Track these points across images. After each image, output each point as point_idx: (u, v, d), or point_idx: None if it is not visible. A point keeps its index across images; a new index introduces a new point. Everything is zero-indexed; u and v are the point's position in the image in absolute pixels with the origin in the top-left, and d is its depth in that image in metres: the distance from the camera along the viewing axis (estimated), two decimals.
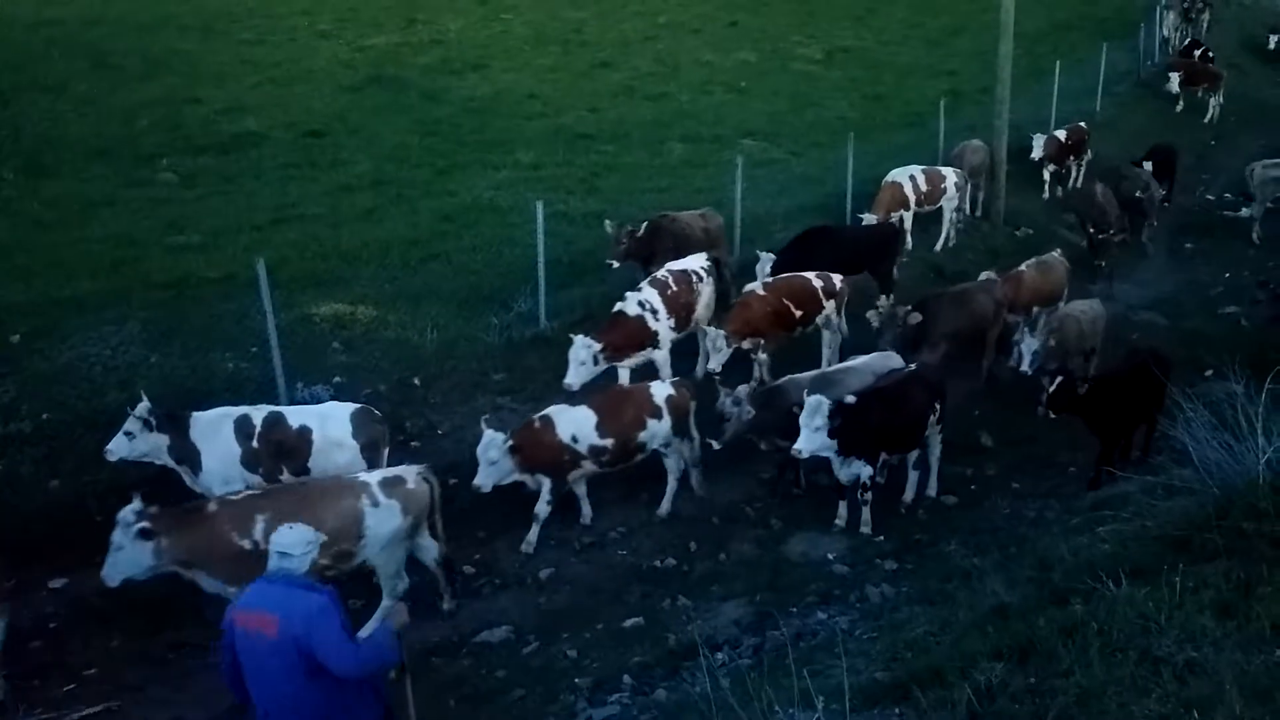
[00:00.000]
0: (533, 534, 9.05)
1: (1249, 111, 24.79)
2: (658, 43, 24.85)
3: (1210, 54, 25.51)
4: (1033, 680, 4.67)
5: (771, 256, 12.46)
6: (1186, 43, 27.16)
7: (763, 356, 11.44)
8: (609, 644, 7.74)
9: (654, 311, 10.89)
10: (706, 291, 11.52)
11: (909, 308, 11.14)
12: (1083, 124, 19.28)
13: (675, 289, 11.16)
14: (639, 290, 11.06)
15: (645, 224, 12.29)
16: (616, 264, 12.09)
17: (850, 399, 9.00)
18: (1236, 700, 4.24)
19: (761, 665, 6.48)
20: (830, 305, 11.86)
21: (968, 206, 16.83)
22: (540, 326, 11.68)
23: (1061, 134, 18.70)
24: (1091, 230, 15.68)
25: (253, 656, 4.88)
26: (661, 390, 9.55)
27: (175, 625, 7.73)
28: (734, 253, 13.53)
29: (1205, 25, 29.90)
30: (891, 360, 10.26)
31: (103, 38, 22.48)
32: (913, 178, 15.00)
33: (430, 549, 8.02)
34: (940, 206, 15.51)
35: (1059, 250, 13.92)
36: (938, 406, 9.77)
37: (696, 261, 11.66)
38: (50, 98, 18.76)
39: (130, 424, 8.02)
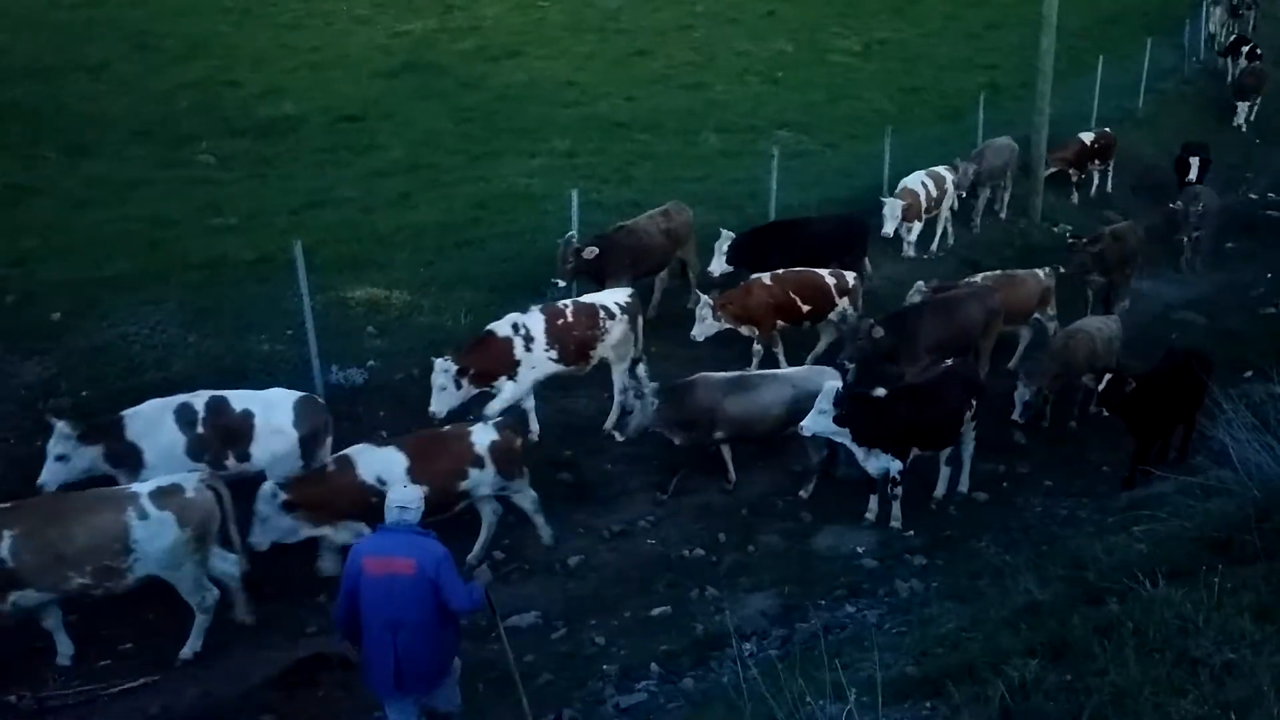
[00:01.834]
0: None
1: None
2: (694, 31, 24.68)
3: (1259, 51, 24.94)
4: (1068, 678, 4.62)
5: (731, 235, 12.29)
6: (1233, 38, 26.57)
7: (756, 348, 11.32)
8: (636, 632, 7.78)
9: (527, 339, 9.80)
10: (616, 330, 10.31)
11: (872, 321, 10.61)
12: (1108, 129, 18.88)
13: (569, 320, 10.05)
14: (527, 313, 10.03)
15: (594, 241, 11.33)
16: (564, 283, 11.20)
17: (880, 391, 8.98)
18: (1275, 703, 4.17)
19: (790, 657, 6.47)
20: (844, 302, 11.71)
21: (1003, 207, 16.61)
22: None
23: (1088, 137, 18.34)
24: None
25: (384, 593, 5.63)
26: (484, 435, 8.32)
27: None
28: None
29: (1253, 22, 29.21)
30: (825, 375, 9.66)
31: (143, 19, 22.72)
32: (924, 184, 14.72)
33: (226, 563, 7.41)
34: (942, 207, 15.21)
35: (1046, 269, 12.80)
36: (974, 404, 9.68)
37: (616, 296, 10.58)
38: (91, 78, 19.01)
39: (59, 446, 7.52)
